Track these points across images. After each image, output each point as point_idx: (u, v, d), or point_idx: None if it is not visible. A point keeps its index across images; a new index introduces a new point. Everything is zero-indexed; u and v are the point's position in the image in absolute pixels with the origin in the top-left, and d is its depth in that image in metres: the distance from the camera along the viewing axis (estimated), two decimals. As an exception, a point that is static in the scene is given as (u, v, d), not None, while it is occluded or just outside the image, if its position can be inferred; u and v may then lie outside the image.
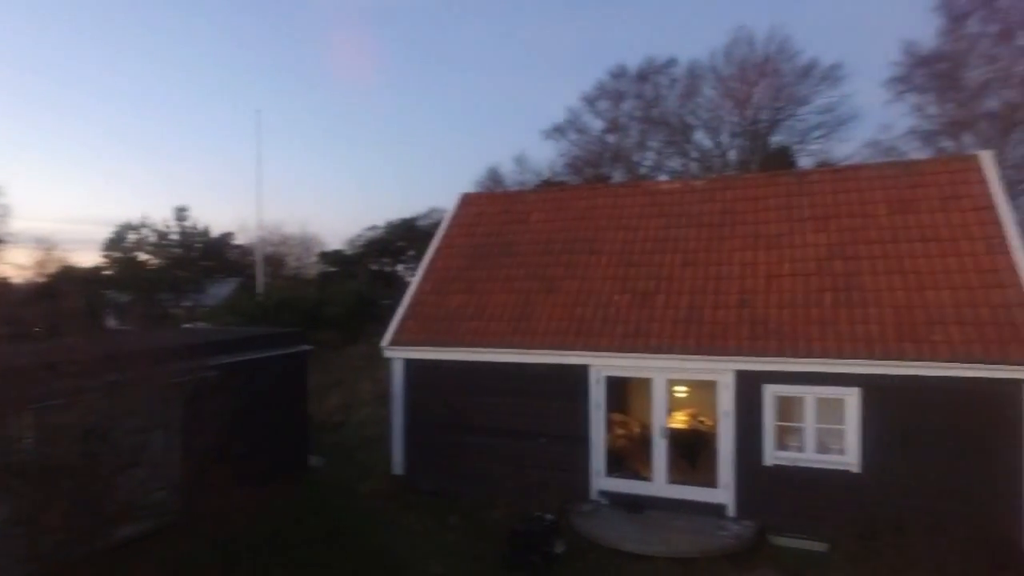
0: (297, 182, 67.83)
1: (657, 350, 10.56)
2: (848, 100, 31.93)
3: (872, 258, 10.72)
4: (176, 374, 8.52)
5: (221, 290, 30.24)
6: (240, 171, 75.23)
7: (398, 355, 12.39)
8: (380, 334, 12.60)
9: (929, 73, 26.11)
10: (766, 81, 32.25)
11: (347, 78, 73.60)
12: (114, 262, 37.18)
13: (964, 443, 9.16)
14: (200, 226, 38.90)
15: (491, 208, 14.69)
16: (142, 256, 36.55)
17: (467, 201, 15.07)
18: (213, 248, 39.57)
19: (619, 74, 35.07)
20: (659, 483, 10.95)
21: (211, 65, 71.32)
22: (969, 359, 9.01)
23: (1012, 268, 9.76)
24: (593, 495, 11.15)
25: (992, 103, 25.14)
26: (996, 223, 10.45)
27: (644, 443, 12.09)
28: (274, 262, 41.55)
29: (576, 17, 58.70)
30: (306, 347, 13.38)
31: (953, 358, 9.07)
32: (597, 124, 36.14)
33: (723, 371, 10.39)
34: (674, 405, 12.84)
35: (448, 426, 12.02)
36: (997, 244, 10.15)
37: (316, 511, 11.15)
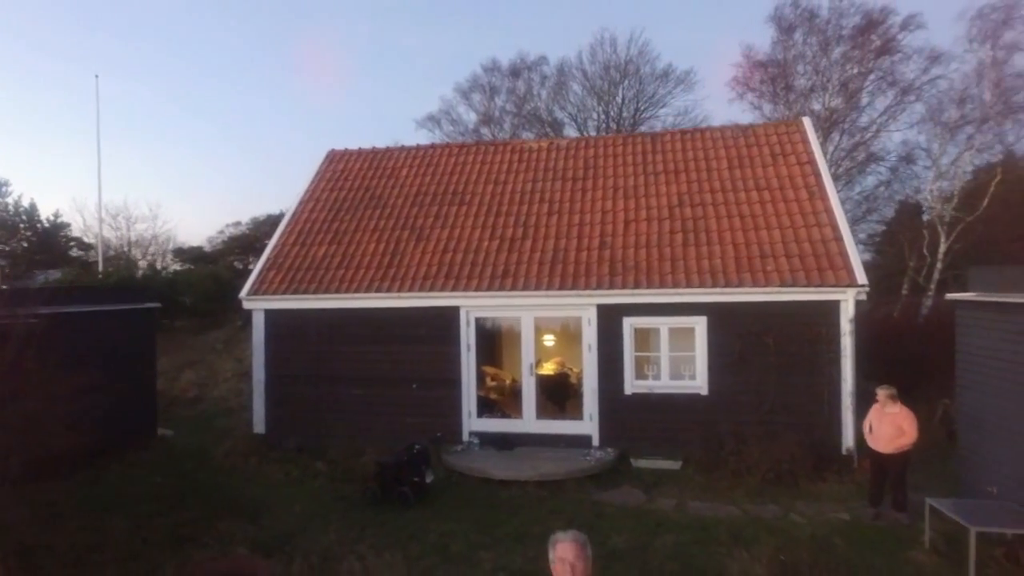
0: (151, 172, 61.70)
1: (524, 288, 10.84)
2: (700, 104, 34.82)
3: (715, 204, 11.79)
4: None
5: (53, 276, 26.88)
6: (79, 148, 66.28)
7: (259, 306, 11.73)
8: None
9: (764, 76, 29.18)
10: (627, 82, 34.48)
11: (210, 67, 68.85)
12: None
13: (793, 360, 10.25)
14: (26, 203, 34.31)
15: (358, 164, 14.38)
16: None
17: (333, 157, 14.64)
18: (46, 238, 35.09)
19: (492, 68, 35.85)
20: (528, 420, 11.21)
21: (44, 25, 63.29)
22: (795, 284, 10.13)
23: (828, 211, 11.16)
24: (465, 437, 11.18)
25: (816, 106, 28.64)
26: (816, 175, 11.91)
27: (516, 395, 12.32)
28: (118, 259, 37.69)
29: (450, 15, 59.29)
30: (151, 304, 12.20)
31: (783, 284, 10.15)
32: (471, 116, 36.62)
33: (586, 306, 10.86)
34: (543, 354, 13.25)
35: (314, 378, 11.54)
36: (816, 192, 11.55)
37: (165, 471, 10.24)
